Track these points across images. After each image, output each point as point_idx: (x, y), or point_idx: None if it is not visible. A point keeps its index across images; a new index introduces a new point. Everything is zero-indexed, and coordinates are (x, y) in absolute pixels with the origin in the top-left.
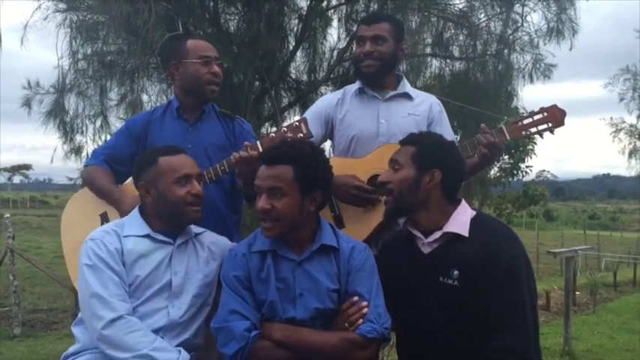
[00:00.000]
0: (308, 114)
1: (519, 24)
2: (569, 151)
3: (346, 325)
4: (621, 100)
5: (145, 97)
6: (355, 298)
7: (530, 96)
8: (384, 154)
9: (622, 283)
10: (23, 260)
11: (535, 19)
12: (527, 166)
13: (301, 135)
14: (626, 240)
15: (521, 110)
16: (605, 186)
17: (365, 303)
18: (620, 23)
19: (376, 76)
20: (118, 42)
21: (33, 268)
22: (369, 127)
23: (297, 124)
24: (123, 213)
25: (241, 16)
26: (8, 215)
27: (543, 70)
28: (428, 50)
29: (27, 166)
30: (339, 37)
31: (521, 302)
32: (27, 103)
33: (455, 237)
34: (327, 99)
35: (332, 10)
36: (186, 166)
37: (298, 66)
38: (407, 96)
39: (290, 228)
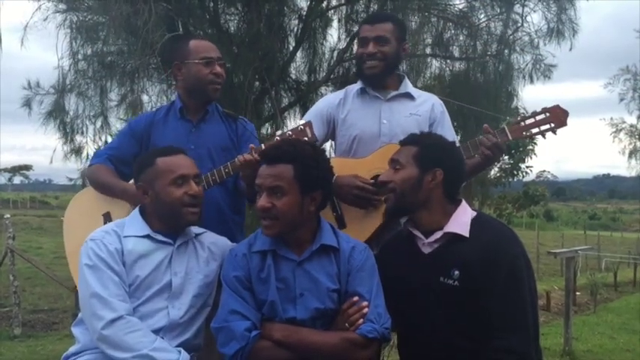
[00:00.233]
0: (309, 114)
1: (519, 24)
2: (570, 152)
3: (346, 325)
4: (621, 100)
5: (145, 98)
6: (355, 298)
7: (531, 96)
8: (385, 155)
9: (622, 284)
10: (23, 260)
11: (535, 19)
12: (527, 167)
13: (306, 139)
14: (626, 240)
15: (522, 110)
16: (606, 186)
17: (365, 303)
18: (620, 23)
19: (379, 77)
20: (118, 42)
21: (33, 268)
22: (370, 128)
23: (301, 127)
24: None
25: (241, 16)
26: (8, 216)
27: (543, 71)
28: (428, 50)
29: (27, 167)
30: (339, 38)
31: (522, 302)
32: (27, 103)
33: (455, 237)
34: (328, 99)
35: (332, 11)
36: (184, 167)
37: (298, 66)
38: (409, 96)
39: (290, 227)
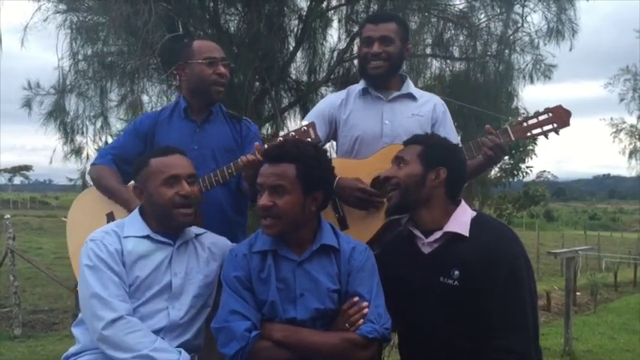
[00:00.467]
0: (311, 115)
1: (519, 24)
2: (570, 152)
3: (347, 325)
4: (621, 100)
5: (145, 98)
6: (356, 299)
7: (531, 96)
8: (387, 155)
9: (622, 284)
10: (24, 261)
11: (535, 19)
12: (527, 167)
13: (309, 140)
14: (626, 240)
15: (522, 111)
16: (606, 186)
17: (365, 303)
18: (620, 23)
19: (383, 77)
20: (118, 43)
21: (33, 268)
22: (372, 128)
23: (305, 128)
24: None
25: (241, 16)
26: (9, 216)
27: (544, 71)
28: (428, 51)
29: (27, 167)
30: (339, 38)
31: (522, 302)
32: (27, 103)
33: (455, 237)
34: (330, 99)
35: (332, 11)
36: (176, 167)
37: (298, 66)
38: (411, 96)
39: (291, 227)
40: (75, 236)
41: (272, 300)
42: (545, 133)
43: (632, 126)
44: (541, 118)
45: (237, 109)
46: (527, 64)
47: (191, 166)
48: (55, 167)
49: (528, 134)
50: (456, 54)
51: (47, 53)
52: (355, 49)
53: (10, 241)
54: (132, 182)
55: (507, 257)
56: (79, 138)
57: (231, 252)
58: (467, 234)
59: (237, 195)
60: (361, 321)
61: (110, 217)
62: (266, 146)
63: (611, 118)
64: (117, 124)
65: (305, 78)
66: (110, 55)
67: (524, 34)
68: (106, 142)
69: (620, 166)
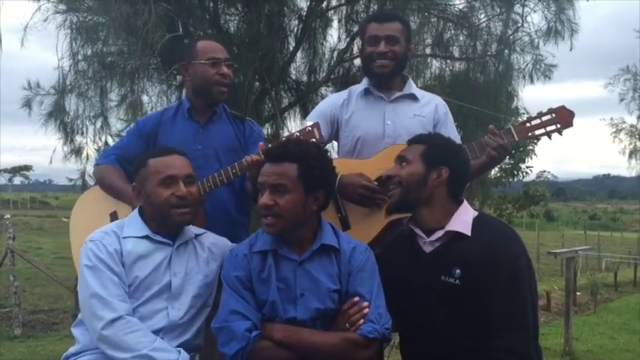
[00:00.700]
0: (313, 115)
1: (519, 24)
2: (570, 152)
3: (347, 325)
4: (621, 100)
5: (145, 98)
6: (356, 299)
7: (531, 96)
8: (390, 155)
9: (622, 284)
10: (23, 261)
11: (535, 19)
12: (527, 167)
13: (314, 140)
14: (626, 240)
15: (522, 110)
16: (606, 186)
17: (366, 303)
18: (620, 23)
19: (389, 77)
20: (118, 43)
21: (33, 268)
22: (375, 129)
23: (309, 128)
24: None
25: (241, 16)
26: (9, 216)
27: (544, 71)
28: (428, 51)
29: (27, 167)
30: (339, 38)
31: (522, 302)
32: (27, 104)
33: (457, 236)
34: (332, 99)
35: (332, 11)
36: (173, 167)
37: (298, 67)
38: (413, 97)
39: (291, 226)
40: (78, 235)
41: (272, 300)
42: (548, 134)
43: (632, 126)
44: (544, 118)
45: (237, 109)
46: (527, 64)
47: (189, 166)
48: (55, 167)
49: (531, 134)
50: (456, 54)
51: (47, 53)
52: (355, 49)
53: (10, 241)
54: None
55: (509, 257)
56: (79, 138)
57: (231, 252)
58: (469, 233)
59: (240, 195)
60: (361, 321)
61: (114, 217)
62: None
63: (611, 118)
64: (117, 124)
65: (305, 78)
66: (110, 55)
67: (524, 34)
68: (106, 142)
69: (620, 166)
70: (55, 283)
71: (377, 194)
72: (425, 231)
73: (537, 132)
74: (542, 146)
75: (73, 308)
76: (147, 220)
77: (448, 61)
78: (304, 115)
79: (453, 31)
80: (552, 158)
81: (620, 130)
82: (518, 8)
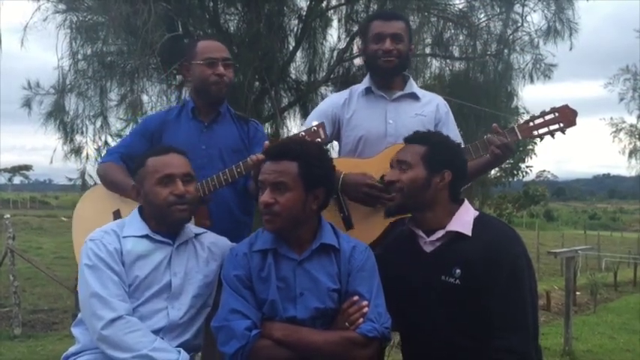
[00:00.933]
0: (314, 115)
1: (519, 24)
2: (570, 151)
3: (346, 324)
4: (621, 100)
5: (145, 98)
6: (356, 298)
7: (531, 96)
8: (392, 155)
9: (622, 284)
10: (23, 261)
11: (535, 19)
12: (527, 167)
13: (319, 140)
14: (626, 240)
15: (522, 110)
16: (606, 186)
17: (365, 302)
18: (620, 23)
19: (394, 73)
20: (117, 42)
21: (33, 268)
22: (376, 128)
23: (314, 128)
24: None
25: (241, 16)
26: (8, 216)
27: (543, 70)
28: (428, 50)
29: (27, 167)
30: (339, 38)
31: (522, 302)
32: (27, 103)
33: (457, 236)
34: (333, 99)
35: (332, 11)
36: (170, 166)
37: (298, 66)
38: (414, 96)
39: (291, 224)
40: (81, 234)
41: (272, 299)
42: (551, 133)
43: (631, 125)
44: (547, 117)
45: (236, 108)
46: (527, 64)
47: (187, 164)
48: (54, 167)
49: (535, 133)
50: (456, 53)
51: (47, 53)
52: (355, 48)
53: (10, 241)
54: None
55: (509, 257)
56: (78, 138)
57: (231, 251)
58: (469, 233)
59: (243, 195)
60: (361, 320)
61: (117, 215)
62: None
63: (611, 118)
64: (116, 124)
65: (305, 78)
66: (110, 55)
67: (524, 33)
68: (106, 142)
69: (620, 166)
70: (54, 283)
71: (381, 193)
72: (425, 231)
73: (541, 131)
74: (542, 146)
75: (72, 308)
76: (147, 220)
77: (448, 60)
78: (304, 114)
79: (452, 31)
80: (552, 158)
81: (620, 129)
82: (518, 8)
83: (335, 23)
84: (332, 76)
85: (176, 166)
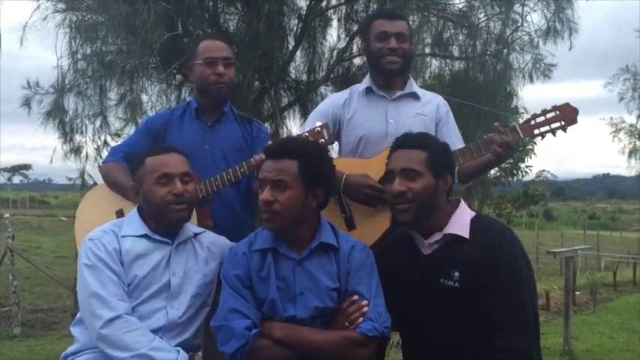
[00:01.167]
0: (314, 115)
1: (519, 24)
2: (569, 151)
3: (346, 323)
4: (621, 99)
5: (144, 97)
6: (355, 297)
7: (530, 96)
8: None
9: (622, 283)
10: (23, 260)
11: (535, 18)
12: (527, 166)
13: (322, 140)
14: (625, 240)
15: (522, 110)
16: (605, 186)
17: (365, 302)
18: (619, 23)
19: (397, 73)
20: (117, 42)
21: (33, 268)
22: (377, 128)
23: (318, 129)
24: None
25: (241, 16)
26: (8, 215)
27: (543, 70)
28: (427, 50)
29: (27, 166)
30: (338, 37)
31: (522, 302)
32: (26, 103)
33: (455, 238)
34: (333, 99)
35: (331, 10)
36: (168, 165)
37: (298, 66)
38: (414, 96)
39: (291, 222)
40: (83, 233)
41: (272, 298)
42: (553, 131)
43: (631, 125)
44: (549, 115)
45: (236, 108)
46: (526, 64)
47: (186, 164)
48: (54, 166)
49: (536, 132)
50: (456, 53)
51: (46, 52)
52: (355, 48)
53: (10, 241)
54: None
55: (508, 257)
56: (78, 137)
57: (230, 250)
58: (467, 236)
59: (246, 195)
60: (361, 319)
61: (119, 214)
62: None
63: (611, 118)
64: (116, 124)
65: (304, 77)
66: (109, 54)
67: (524, 33)
68: (105, 142)
69: (620, 166)
70: (54, 283)
71: (384, 194)
72: (422, 233)
73: (542, 129)
74: (542, 146)
75: (72, 307)
76: (146, 219)
77: (448, 60)
78: (304, 114)
79: (452, 31)
80: (552, 157)
81: (620, 129)
82: (517, 8)
83: (335, 23)
84: (332, 75)
85: (174, 165)
